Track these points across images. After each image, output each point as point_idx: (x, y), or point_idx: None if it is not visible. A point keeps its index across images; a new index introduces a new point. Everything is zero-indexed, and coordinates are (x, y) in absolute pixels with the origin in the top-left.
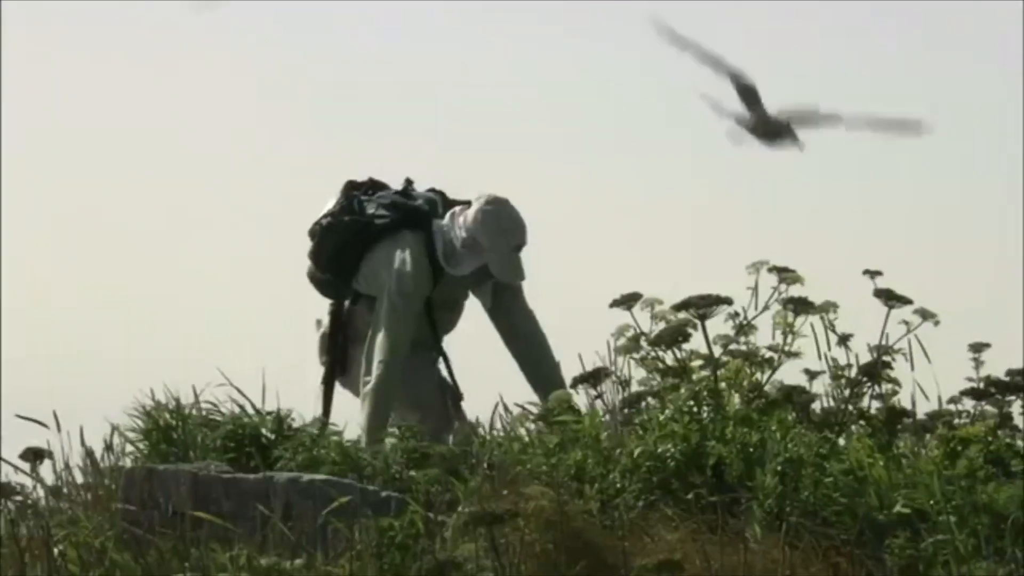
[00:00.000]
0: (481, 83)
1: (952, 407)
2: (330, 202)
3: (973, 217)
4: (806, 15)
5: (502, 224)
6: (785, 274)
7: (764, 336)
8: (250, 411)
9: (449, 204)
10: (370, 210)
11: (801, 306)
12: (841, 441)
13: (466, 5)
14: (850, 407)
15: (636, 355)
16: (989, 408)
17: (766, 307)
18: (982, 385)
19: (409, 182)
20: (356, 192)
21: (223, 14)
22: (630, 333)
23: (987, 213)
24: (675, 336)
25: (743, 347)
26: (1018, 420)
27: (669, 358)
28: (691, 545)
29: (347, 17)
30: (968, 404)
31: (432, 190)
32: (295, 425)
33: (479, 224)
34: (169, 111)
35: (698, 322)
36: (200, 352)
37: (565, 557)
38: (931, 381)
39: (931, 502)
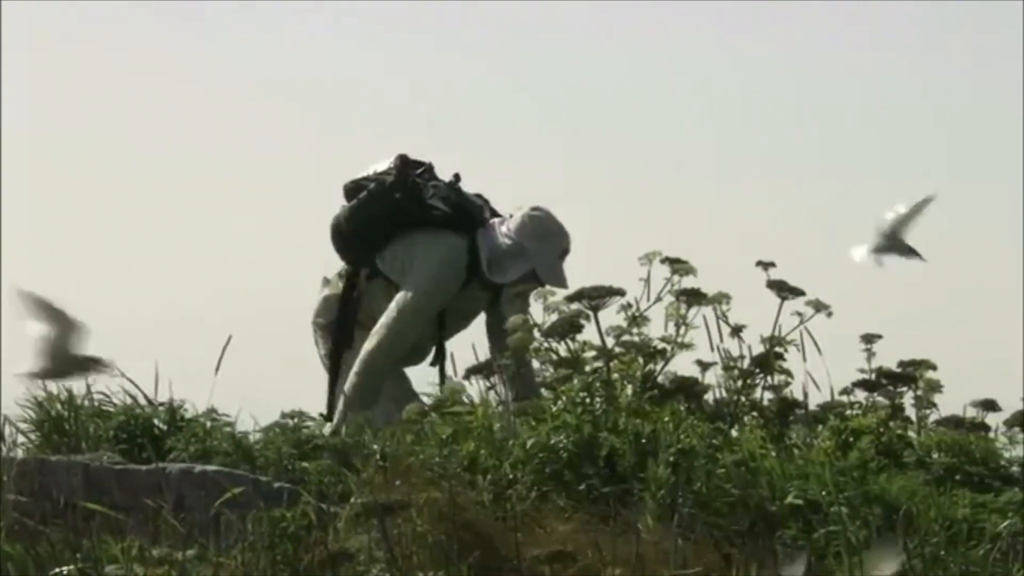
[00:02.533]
0: None
1: (844, 398)
2: (379, 165)
3: (863, 208)
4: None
5: (550, 229)
6: (677, 265)
7: (657, 327)
8: (142, 402)
9: (492, 212)
10: (427, 195)
11: (693, 297)
12: (733, 432)
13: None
14: (742, 398)
15: (529, 346)
16: (881, 399)
17: (659, 298)
18: (874, 376)
19: (457, 178)
20: (412, 171)
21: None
22: (523, 324)
23: (876, 204)
24: (568, 327)
25: (636, 338)
26: (909, 411)
27: (562, 349)
28: (583, 536)
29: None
30: (860, 395)
31: (479, 196)
32: (187, 416)
33: (527, 230)
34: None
35: (591, 313)
36: (92, 343)
37: (457, 548)
38: (823, 372)
39: (823, 493)
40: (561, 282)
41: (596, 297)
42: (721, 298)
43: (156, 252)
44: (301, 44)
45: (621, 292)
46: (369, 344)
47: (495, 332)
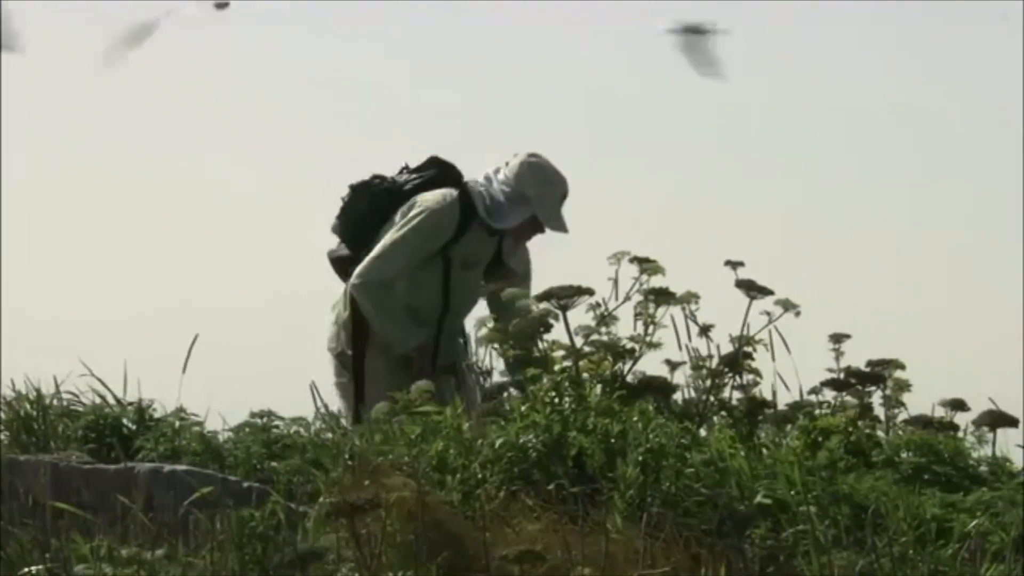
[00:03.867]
0: None
1: (813, 398)
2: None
3: (831, 209)
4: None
5: (548, 176)
6: (646, 264)
7: (625, 327)
8: (111, 401)
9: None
10: (400, 180)
11: (662, 296)
12: (702, 432)
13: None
14: (711, 398)
15: (498, 345)
16: (850, 399)
17: (627, 297)
18: (842, 376)
19: (405, 166)
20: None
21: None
22: (491, 323)
23: (844, 206)
24: (536, 327)
25: (605, 338)
26: (878, 411)
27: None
28: (552, 536)
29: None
30: (829, 395)
31: (434, 160)
32: (156, 415)
33: (526, 176)
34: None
35: (559, 312)
36: (61, 342)
37: (426, 548)
38: (792, 372)
39: (792, 493)
40: (563, 227)
41: (565, 296)
42: (690, 297)
43: (123, 251)
44: (268, 40)
45: (590, 291)
46: (359, 269)
47: (495, 301)
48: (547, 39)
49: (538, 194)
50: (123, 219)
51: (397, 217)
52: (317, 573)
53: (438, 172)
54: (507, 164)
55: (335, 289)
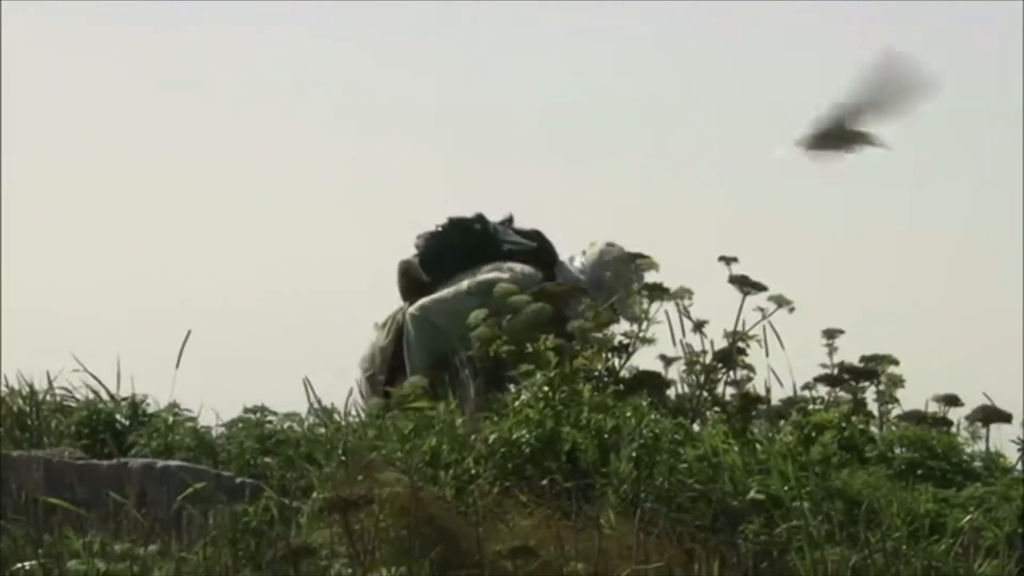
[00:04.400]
0: None
1: (806, 393)
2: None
3: (826, 206)
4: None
5: (621, 267)
6: (640, 260)
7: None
8: (104, 397)
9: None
10: (503, 235)
11: (656, 292)
12: (696, 427)
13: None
14: (705, 393)
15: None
16: (843, 394)
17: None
18: (836, 371)
19: (511, 219)
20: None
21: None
22: (486, 320)
23: (839, 203)
24: (532, 323)
25: (599, 333)
26: (872, 406)
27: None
28: (546, 531)
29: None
30: (822, 390)
31: (537, 232)
32: (150, 411)
33: (603, 265)
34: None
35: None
36: (54, 338)
37: (419, 543)
38: (785, 367)
39: (785, 488)
40: (635, 316)
41: (560, 295)
42: (683, 293)
43: (117, 247)
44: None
45: (583, 291)
46: (425, 301)
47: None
48: (540, 34)
49: (615, 285)
50: (116, 215)
51: (482, 271)
52: (310, 568)
53: (538, 246)
54: (583, 253)
55: (383, 306)
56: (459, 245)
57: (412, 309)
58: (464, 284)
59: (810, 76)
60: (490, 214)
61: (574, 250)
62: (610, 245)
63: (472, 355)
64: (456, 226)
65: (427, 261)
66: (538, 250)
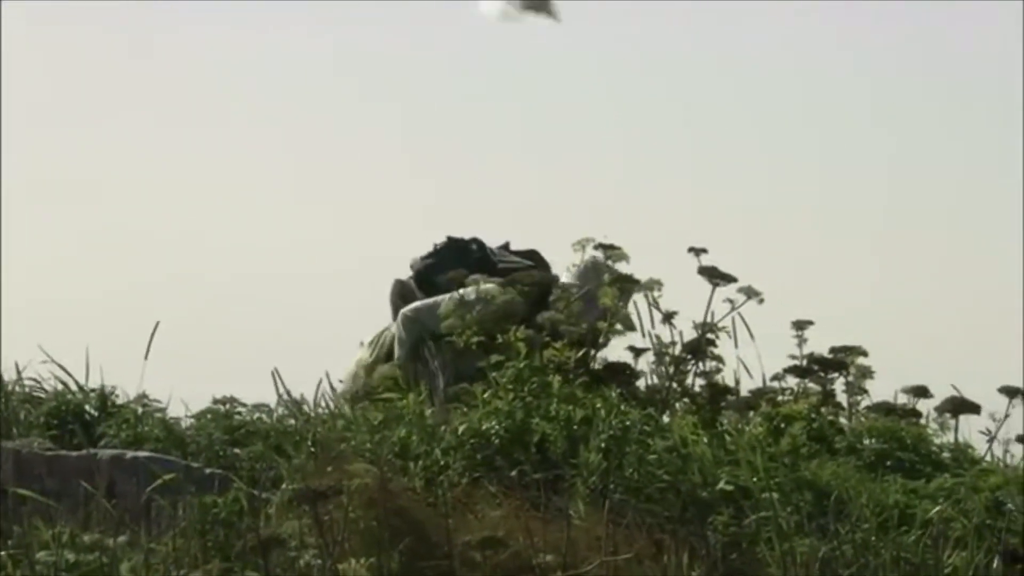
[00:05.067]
0: None
1: (776, 384)
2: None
3: (799, 199)
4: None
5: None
6: (610, 251)
7: None
8: (73, 388)
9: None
10: (496, 255)
11: (626, 283)
12: (665, 418)
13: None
14: (674, 384)
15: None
16: (812, 385)
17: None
18: (805, 362)
19: (507, 246)
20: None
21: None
22: (457, 311)
23: (812, 196)
24: (502, 315)
25: (569, 325)
26: (841, 397)
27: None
28: (515, 522)
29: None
30: (792, 381)
31: (534, 252)
32: (119, 402)
33: (591, 276)
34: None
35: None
36: (23, 329)
37: (389, 534)
38: (755, 359)
39: (754, 479)
40: (632, 327)
41: (528, 285)
42: (653, 284)
43: (86, 237)
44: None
45: (554, 280)
46: (419, 305)
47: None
48: (523, 32)
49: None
50: (85, 203)
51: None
52: (279, 559)
53: (535, 265)
54: (574, 265)
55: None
56: (454, 265)
57: (406, 310)
58: (459, 293)
59: (798, 73)
60: (477, 224)
61: (563, 259)
62: (596, 259)
63: (442, 344)
64: (452, 248)
65: (420, 278)
66: (535, 269)
